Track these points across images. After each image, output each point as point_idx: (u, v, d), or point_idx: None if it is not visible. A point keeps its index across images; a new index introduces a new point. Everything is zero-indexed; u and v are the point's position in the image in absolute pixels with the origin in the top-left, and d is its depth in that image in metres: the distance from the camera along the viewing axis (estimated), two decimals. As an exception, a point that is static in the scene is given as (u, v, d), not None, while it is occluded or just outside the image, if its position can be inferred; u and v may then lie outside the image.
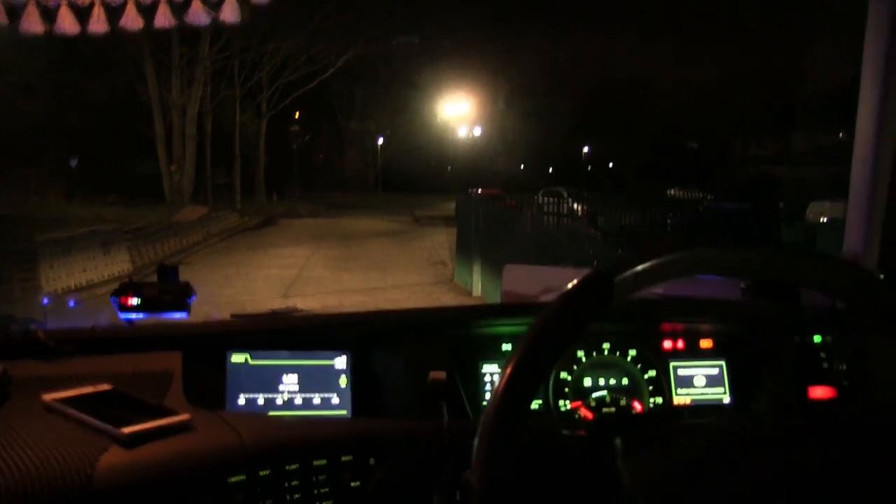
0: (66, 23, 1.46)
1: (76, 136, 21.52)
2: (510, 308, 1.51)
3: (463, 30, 25.70)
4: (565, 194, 17.86)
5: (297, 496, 1.03)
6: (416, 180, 31.31)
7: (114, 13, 1.51)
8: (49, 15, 1.45)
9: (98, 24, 1.49)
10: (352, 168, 33.85)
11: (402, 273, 11.73)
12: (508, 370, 0.71)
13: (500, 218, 10.76)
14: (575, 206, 16.90)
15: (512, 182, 27.15)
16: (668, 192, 22.61)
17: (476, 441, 0.69)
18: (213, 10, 1.52)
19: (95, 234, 11.41)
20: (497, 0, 25.27)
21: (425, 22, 23.75)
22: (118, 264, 11.52)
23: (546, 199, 17.31)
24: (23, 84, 17.99)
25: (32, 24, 1.42)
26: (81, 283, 10.30)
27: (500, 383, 0.71)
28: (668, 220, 14.66)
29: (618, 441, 0.89)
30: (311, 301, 9.20)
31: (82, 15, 1.49)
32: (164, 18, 1.53)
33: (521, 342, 0.72)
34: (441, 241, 15.53)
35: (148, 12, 1.52)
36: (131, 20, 1.51)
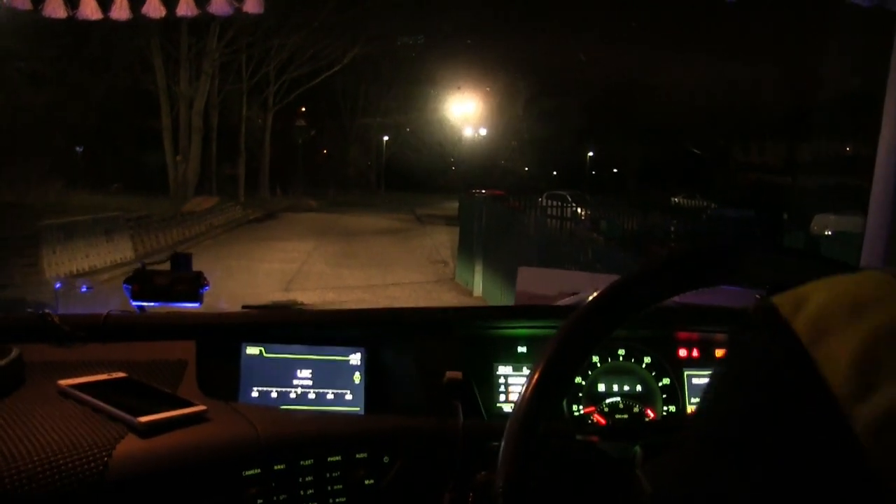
0: (89, 9, 1.45)
1: (80, 127, 21.47)
2: (526, 310, 1.50)
3: (470, 30, 25.73)
4: (569, 198, 17.89)
5: (310, 492, 1.03)
6: (419, 179, 31.24)
7: (136, 1, 1.51)
8: (72, 1, 1.45)
9: (120, 11, 1.49)
10: (355, 165, 33.78)
11: (403, 271, 11.73)
12: (537, 374, 0.70)
13: (503, 219, 10.75)
14: (578, 209, 16.91)
15: (516, 183, 27.16)
16: (673, 199, 22.65)
17: (503, 444, 0.68)
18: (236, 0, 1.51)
19: (98, 222, 11.43)
20: (504, 2, 25.29)
21: (431, 21, 23.76)
22: (120, 251, 11.56)
23: (549, 201, 17.33)
24: (29, 72, 17.94)
25: (55, 9, 1.42)
26: (84, 269, 10.33)
27: (527, 386, 0.70)
28: (672, 227, 14.67)
29: (637, 448, 0.89)
30: (311, 296, 9.20)
31: (104, 2, 1.48)
32: (186, 7, 1.52)
33: (549, 345, 0.72)
34: (443, 240, 15.54)
35: (171, 1, 1.51)
36: (153, 8, 1.51)
